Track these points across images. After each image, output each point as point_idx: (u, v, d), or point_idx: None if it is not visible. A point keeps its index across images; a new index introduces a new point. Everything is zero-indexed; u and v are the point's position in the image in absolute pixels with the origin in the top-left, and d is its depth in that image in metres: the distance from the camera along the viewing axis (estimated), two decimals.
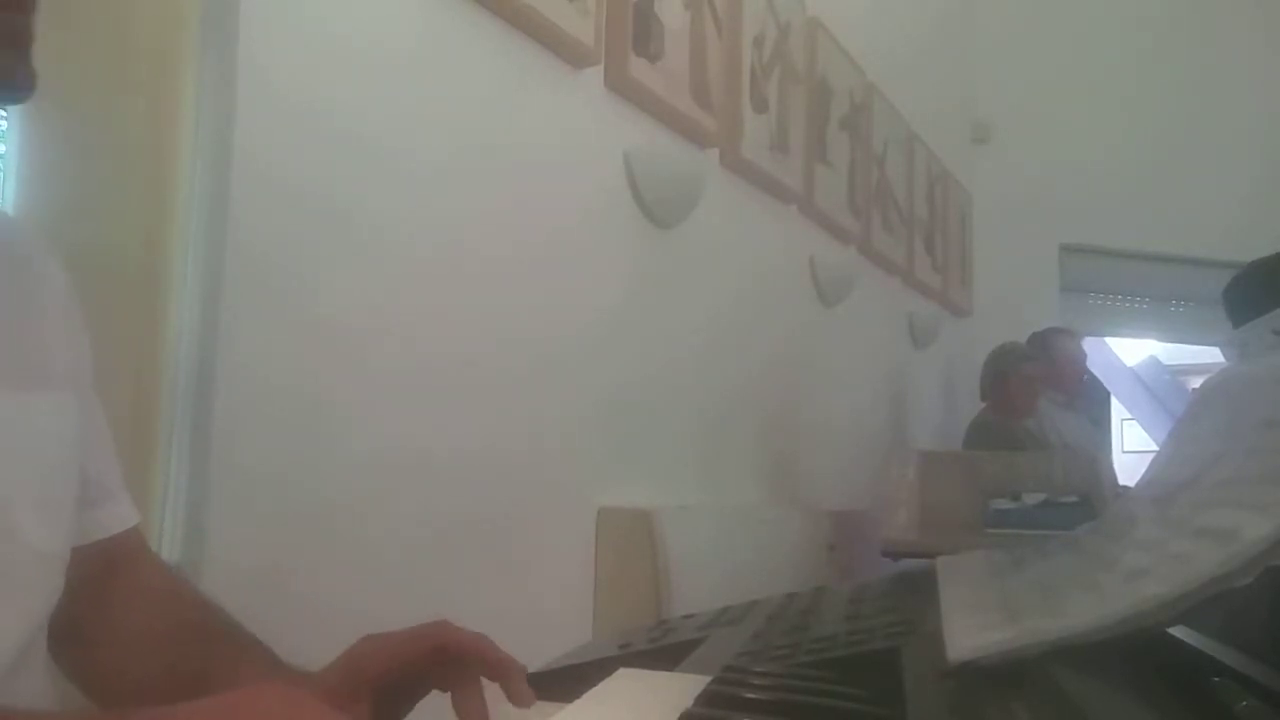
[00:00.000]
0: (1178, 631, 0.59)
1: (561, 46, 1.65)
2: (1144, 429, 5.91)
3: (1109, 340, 5.54)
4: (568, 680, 0.65)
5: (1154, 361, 6.06)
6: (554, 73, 1.66)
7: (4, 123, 1.10)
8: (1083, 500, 1.71)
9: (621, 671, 0.66)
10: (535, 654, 0.71)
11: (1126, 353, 5.94)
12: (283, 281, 1.18)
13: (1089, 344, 4.02)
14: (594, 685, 0.63)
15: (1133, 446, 6.05)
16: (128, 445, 0.77)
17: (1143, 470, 0.84)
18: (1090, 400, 4.71)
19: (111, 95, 1.06)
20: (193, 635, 0.71)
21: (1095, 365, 4.48)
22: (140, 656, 0.69)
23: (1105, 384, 5.53)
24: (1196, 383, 1.25)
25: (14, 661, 0.59)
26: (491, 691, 0.62)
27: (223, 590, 0.76)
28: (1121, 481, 1.90)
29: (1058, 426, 3.61)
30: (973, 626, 0.60)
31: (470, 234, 1.47)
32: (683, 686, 0.57)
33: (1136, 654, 0.52)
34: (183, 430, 1.08)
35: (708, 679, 0.57)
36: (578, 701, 0.59)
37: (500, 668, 0.62)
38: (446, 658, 0.62)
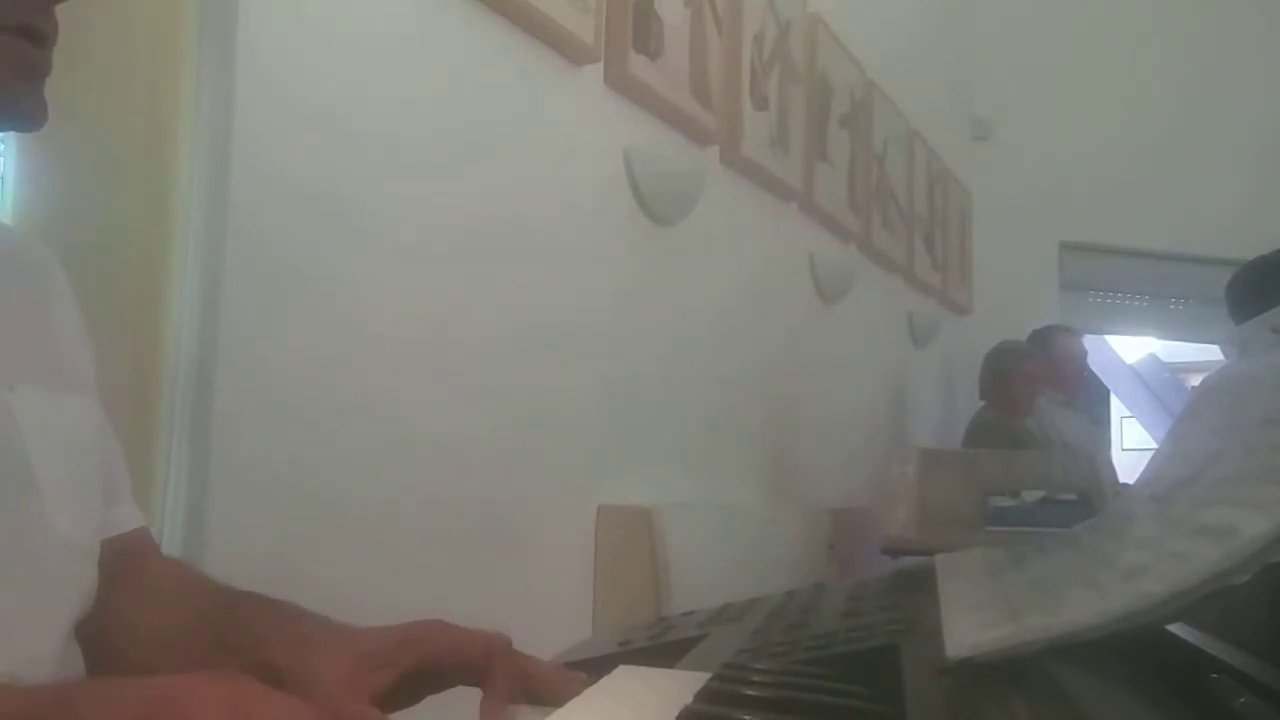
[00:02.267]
0: (1176, 629, 0.59)
1: (562, 44, 1.64)
2: (1143, 427, 5.91)
3: (1108, 338, 5.54)
4: None
5: (1153, 359, 6.06)
6: (554, 70, 1.66)
7: None
8: (1082, 498, 1.71)
9: (621, 668, 0.66)
10: (535, 651, 0.71)
11: (1126, 350, 5.94)
12: (283, 274, 1.18)
13: (1088, 342, 4.01)
14: (594, 682, 0.63)
15: (1132, 444, 6.05)
16: (128, 440, 0.77)
17: (1142, 468, 0.84)
18: (1090, 398, 4.71)
19: (111, 88, 1.06)
20: (222, 611, 0.70)
21: (1095, 363, 4.48)
22: (171, 645, 0.69)
23: (1105, 382, 5.53)
24: (1196, 380, 1.25)
25: (59, 659, 0.59)
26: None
27: None
28: (1121, 479, 1.90)
29: (1057, 425, 3.60)
30: (972, 624, 0.60)
31: (469, 231, 1.47)
32: (682, 683, 0.57)
33: (1135, 651, 0.52)
34: (183, 423, 1.09)
35: (707, 676, 0.57)
36: (577, 698, 0.59)
37: (539, 681, 0.63)
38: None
